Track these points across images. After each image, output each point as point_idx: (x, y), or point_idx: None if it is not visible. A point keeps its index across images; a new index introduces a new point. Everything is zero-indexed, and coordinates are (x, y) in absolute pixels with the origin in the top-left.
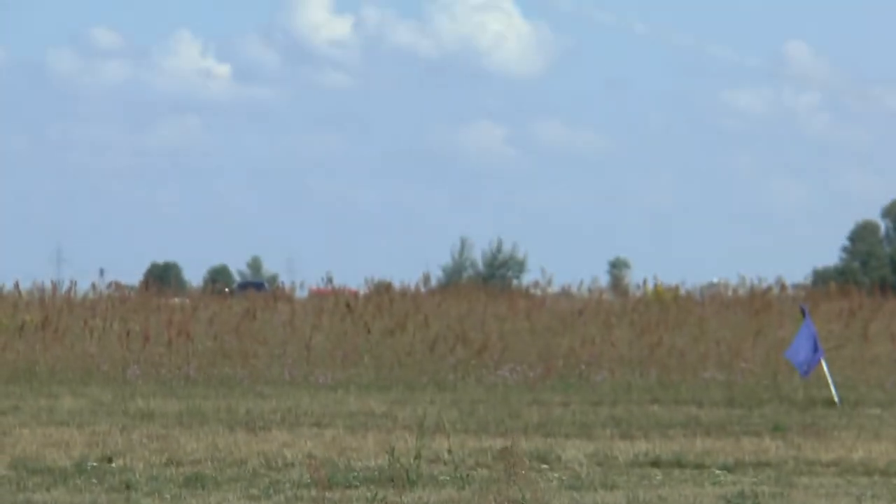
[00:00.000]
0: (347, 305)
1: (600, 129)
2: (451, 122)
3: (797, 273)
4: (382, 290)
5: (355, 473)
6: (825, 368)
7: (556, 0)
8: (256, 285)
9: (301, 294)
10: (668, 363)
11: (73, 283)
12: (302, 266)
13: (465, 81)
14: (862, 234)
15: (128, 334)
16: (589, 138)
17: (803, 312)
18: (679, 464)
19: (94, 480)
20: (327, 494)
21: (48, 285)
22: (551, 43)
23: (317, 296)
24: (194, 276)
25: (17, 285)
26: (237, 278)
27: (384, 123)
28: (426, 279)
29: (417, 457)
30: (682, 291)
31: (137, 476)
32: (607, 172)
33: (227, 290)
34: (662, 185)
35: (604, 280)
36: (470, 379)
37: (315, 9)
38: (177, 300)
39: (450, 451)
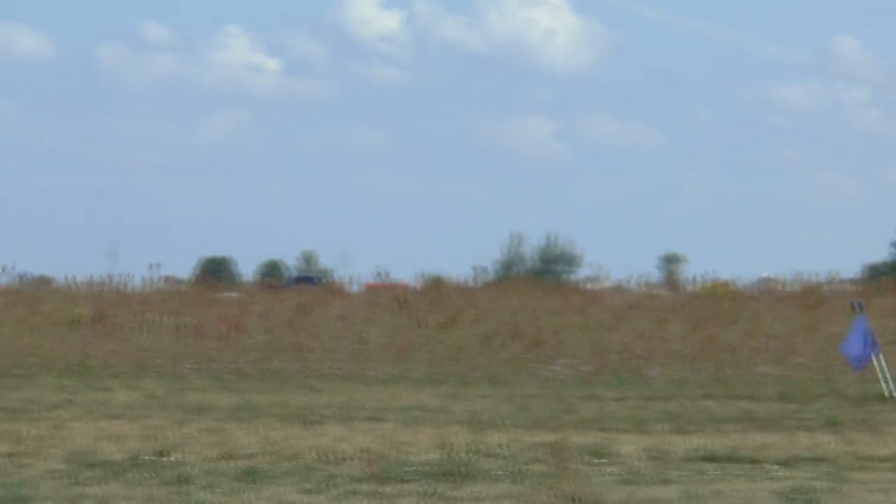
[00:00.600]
0: (401, 300)
1: (650, 123)
2: (500, 116)
3: (848, 268)
4: (436, 284)
5: (410, 468)
6: (880, 363)
7: None
8: (310, 279)
9: (355, 288)
10: (722, 358)
11: (127, 278)
12: (355, 260)
13: (514, 76)
14: None
15: (181, 328)
16: (639, 133)
17: (854, 308)
18: (733, 459)
19: (149, 474)
20: (382, 488)
21: (101, 280)
22: (600, 38)
23: (371, 290)
24: (248, 270)
25: (70, 280)
26: (291, 272)
27: (434, 118)
28: (479, 274)
29: (471, 451)
30: (736, 287)
31: (192, 470)
32: (658, 167)
33: (280, 284)
34: (713, 180)
35: (657, 275)
36: (524, 374)
37: (364, 3)
38: (230, 294)
39: (504, 446)
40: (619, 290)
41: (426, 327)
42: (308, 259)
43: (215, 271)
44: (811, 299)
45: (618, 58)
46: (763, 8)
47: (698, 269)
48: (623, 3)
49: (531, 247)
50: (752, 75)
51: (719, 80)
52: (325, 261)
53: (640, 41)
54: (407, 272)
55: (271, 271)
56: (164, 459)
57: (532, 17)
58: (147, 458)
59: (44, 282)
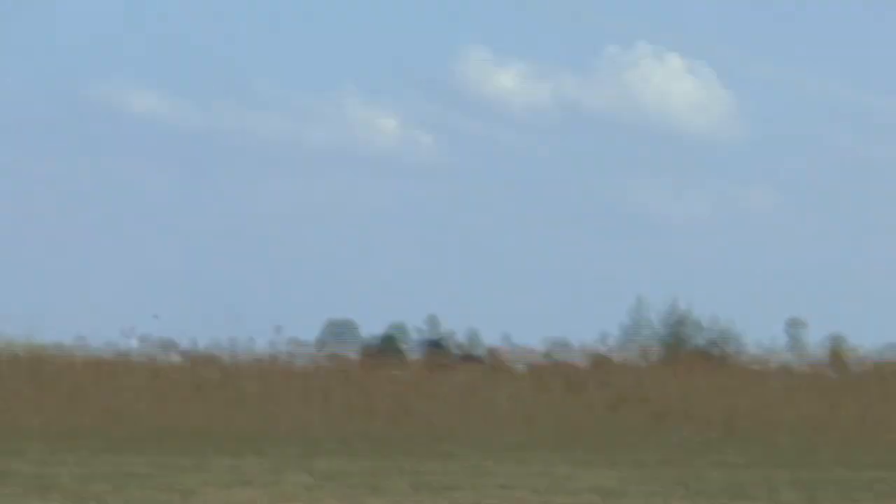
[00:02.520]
0: (568, 380)
1: (773, 185)
2: (621, 177)
3: None
4: (602, 363)
5: None
6: None
7: (724, 54)
8: (436, 343)
9: (519, 367)
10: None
11: (251, 341)
12: (477, 323)
13: (632, 136)
14: None
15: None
16: (761, 195)
17: None
18: None
19: None
20: None
21: (225, 342)
22: (721, 99)
23: (535, 369)
24: (371, 331)
25: (194, 342)
26: (416, 336)
27: (554, 179)
28: (644, 353)
29: None
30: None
31: None
32: (780, 229)
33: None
34: (839, 243)
35: (783, 341)
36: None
37: (479, 62)
38: (396, 372)
39: None
40: (786, 371)
41: (595, 408)
42: (433, 323)
43: (339, 334)
44: None
45: (740, 119)
46: (892, 70)
47: (825, 333)
48: (741, 63)
49: (655, 311)
50: (878, 134)
51: (844, 142)
52: (449, 324)
53: (761, 102)
54: (531, 336)
55: (397, 334)
56: None
57: (648, 76)
58: None
59: (168, 344)
